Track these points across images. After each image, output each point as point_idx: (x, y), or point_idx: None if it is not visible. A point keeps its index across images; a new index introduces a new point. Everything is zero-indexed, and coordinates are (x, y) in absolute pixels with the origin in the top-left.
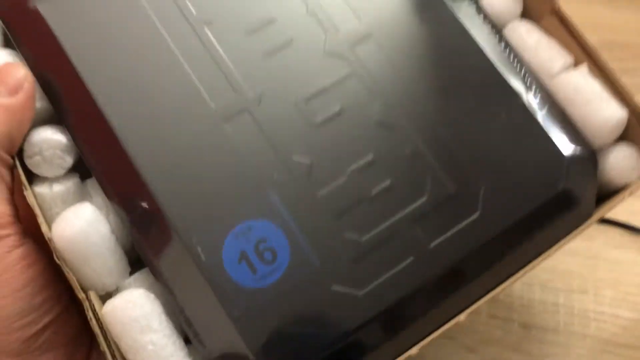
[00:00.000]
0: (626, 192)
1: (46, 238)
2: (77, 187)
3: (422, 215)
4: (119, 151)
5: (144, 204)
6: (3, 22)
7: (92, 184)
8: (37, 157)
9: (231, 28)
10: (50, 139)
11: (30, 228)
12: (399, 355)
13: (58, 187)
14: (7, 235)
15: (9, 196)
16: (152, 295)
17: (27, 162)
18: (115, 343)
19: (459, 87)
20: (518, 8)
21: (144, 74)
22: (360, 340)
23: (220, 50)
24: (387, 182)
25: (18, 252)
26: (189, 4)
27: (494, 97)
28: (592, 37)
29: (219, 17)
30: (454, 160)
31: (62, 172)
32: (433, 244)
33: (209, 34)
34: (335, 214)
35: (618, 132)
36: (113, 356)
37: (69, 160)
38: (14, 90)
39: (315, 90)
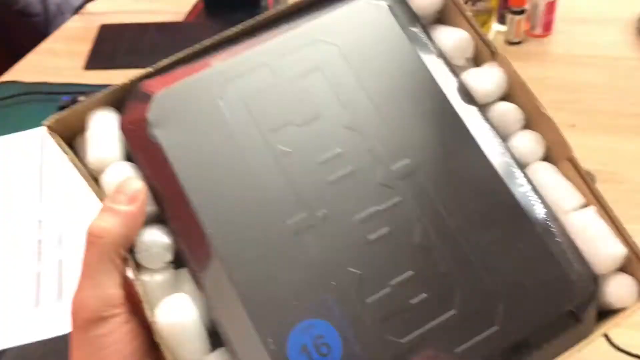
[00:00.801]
0: (625, 313)
1: (149, 321)
2: (172, 277)
3: (451, 325)
4: (209, 251)
5: None
6: (127, 140)
7: (183, 273)
8: (145, 253)
9: (306, 159)
10: (157, 240)
11: (133, 308)
12: None
13: (159, 277)
14: (119, 314)
15: (121, 282)
16: None
17: (137, 256)
18: None
19: (488, 220)
20: (540, 151)
21: (234, 192)
22: None
23: (296, 177)
24: (423, 295)
25: (127, 327)
26: (271, 137)
27: (515, 229)
28: None
29: (297, 150)
30: (480, 280)
31: (162, 265)
32: (459, 349)
33: (288, 162)
34: (380, 318)
35: (618, 264)
36: None
37: (169, 257)
38: (132, 200)
39: (368, 213)
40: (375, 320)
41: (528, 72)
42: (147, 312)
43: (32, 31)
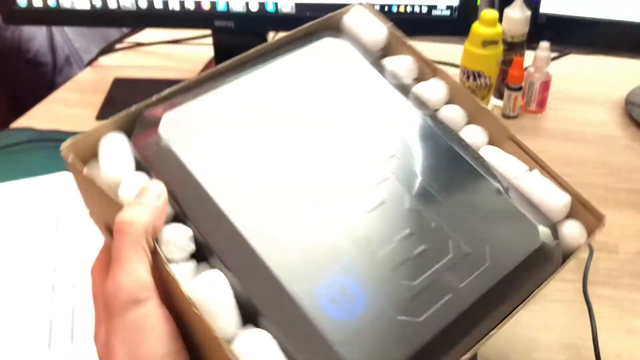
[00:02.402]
0: (578, 251)
1: (186, 296)
2: (196, 267)
3: (450, 266)
4: (232, 231)
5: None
6: (142, 155)
7: (203, 265)
8: (171, 246)
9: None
10: (181, 232)
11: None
12: None
13: (185, 267)
14: (153, 297)
15: (150, 270)
16: (269, 335)
17: (163, 248)
18: None
19: (461, 187)
20: (485, 138)
21: (245, 175)
22: (421, 356)
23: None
24: (422, 247)
25: (161, 310)
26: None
27: (482, 192)
28: None
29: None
30: (464, 231)
31: (186, 255)
32: (462, 285)
33: (294, 150)
34: (391, 267)
35: (566, 211)
36: None
37: (192, 246)
38: (158, 197)
39: (368, 188)
40: (387, 269)
41: None
42: (183, 289)
43: (40, 81)
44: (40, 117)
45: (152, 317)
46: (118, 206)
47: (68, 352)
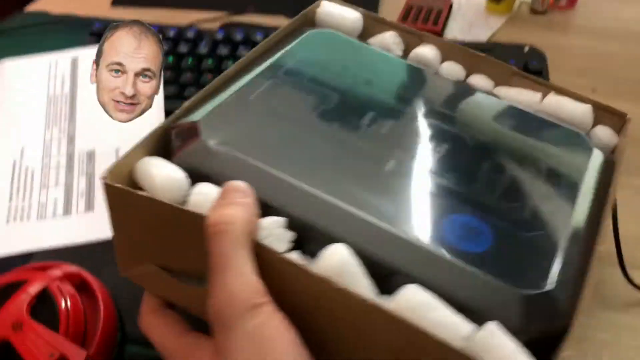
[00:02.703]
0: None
1: (319, 277)
2: (300, 254)
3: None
4: (339, 209)
5: None
6: (190, 166)
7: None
8: (272, 237)
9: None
10: (277, 220)
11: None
12: None
13: (293, 256)
14: (269, 302)
15: (258, 271)
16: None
17: (264, 242)
18: None
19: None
20: (491, 83)
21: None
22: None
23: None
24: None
25: (280, 315)
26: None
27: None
28: None
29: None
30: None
31: (288, 245)
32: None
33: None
34: (498, 196)
35: (591, 119)
36: None
37: (291, 233)
38: (246, 194)
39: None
40: (494, 199)
41: (551, 41)
42: (314, 271)
43: None
44: (55, 1)
45: (273, 324)
46: (193, 215)
47: (86, 219)
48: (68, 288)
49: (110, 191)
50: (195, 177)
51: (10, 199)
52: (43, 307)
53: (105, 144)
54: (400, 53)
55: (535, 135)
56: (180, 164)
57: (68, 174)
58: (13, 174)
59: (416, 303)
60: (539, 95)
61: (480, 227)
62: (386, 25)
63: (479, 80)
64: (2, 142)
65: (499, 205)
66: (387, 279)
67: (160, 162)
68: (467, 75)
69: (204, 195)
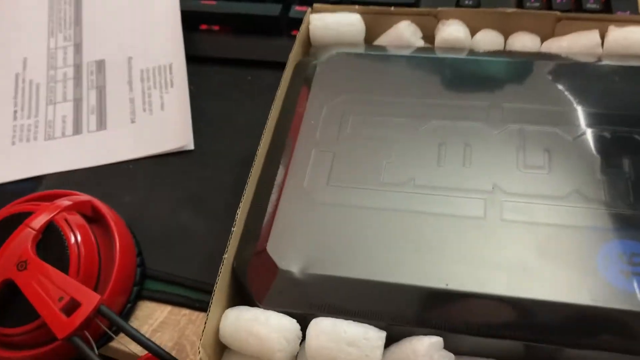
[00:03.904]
0: None
1: None
2: None
3: None
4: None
5: None
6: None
7: None
8: None
9: None
10: (433, 343)
11: None
12: None
13: None
14: None
15: None
16: None
17: None
18: None
19: None
20: (537, 39)
21: None
22: None
23: None
24: None
25: None
26: None
27: None
28: None
29: None
30: None
31: None
32: None
33: None
34: None
35: None
36: None
37: (451, 356)
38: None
39: None
40: None
41: None
42: None
43: None
44: None
45: None
46: None
47: (97, 139)
48: (78, 220)
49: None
50: (294, 314)
51: (15, 117)
52: (50, 243)
53: (116, 52)
54: (421, 42)
55: None
56: (271, 307)
57: (76, 87)
58: (16, 89)
59: None
60: (596, 36)
61: None
62: (391, 17)
63: (522, 41)
64: (1, 52)
65: None
66: None
67: (259, 314)
68: (506, 40)
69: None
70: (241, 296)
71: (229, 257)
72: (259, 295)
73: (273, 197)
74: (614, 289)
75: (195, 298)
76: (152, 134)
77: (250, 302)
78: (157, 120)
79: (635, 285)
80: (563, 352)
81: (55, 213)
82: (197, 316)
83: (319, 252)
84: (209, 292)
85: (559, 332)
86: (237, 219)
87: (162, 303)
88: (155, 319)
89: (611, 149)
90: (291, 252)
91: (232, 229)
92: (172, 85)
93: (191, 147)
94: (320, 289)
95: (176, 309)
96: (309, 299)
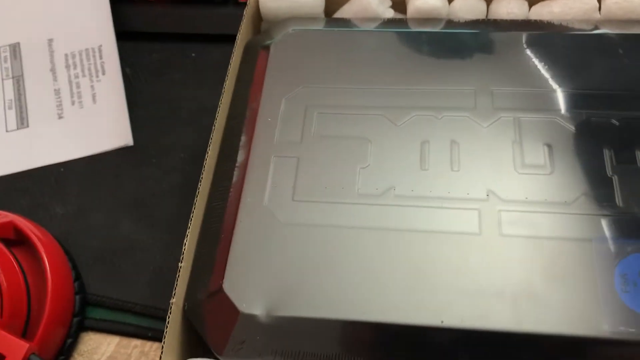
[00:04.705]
0: None
1: None
2: None
3: None
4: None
5: None
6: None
7: None
8: None
9: None
10: None
11: None
12: None
13: None
14: None
15: None
16: None
17: None
18: None
19: None
20: (525, 4)
21: None
22: None
23: None
24: None
25: None
26: None
27: None
28: None
29: None
30: None
31: None
32: None
33: None
34: None
35: None
36: None
37: None
38: None
39: None
40: None
41: None
42: None
43: None
44: None
45: None
46: None
47: (18, 139)
48: None
49: None
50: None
51: None
52: None
53: (32, 33)
54: (390, 13)
55: None
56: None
57: None
58: None
59: None
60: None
61: None
62: None
63: (508, 6)
64: None
65: None
66: None
67: None
68: (488, 5)
69: None
70: (197, 344)
71: (177, 299)
72: (218, 346)
73: (228, 218)
74: (637, 315)
75: (147, 326)
76: (85, 132)
77: (208, 353)
78: (89, 115)
79: None
80: None
81: None
82: (151, 347)
83: (285, 288)
84: (163, 318)
85: None
86: (184, 250)
87: (108, 334)
88: (102, 354)
89: (623, 139)
90: (252, 290)
91: (180, 263)
92: (103, 73)
93: (130, 143)
94: (291, 334)
95: (125, 340)
96: (277, 347)
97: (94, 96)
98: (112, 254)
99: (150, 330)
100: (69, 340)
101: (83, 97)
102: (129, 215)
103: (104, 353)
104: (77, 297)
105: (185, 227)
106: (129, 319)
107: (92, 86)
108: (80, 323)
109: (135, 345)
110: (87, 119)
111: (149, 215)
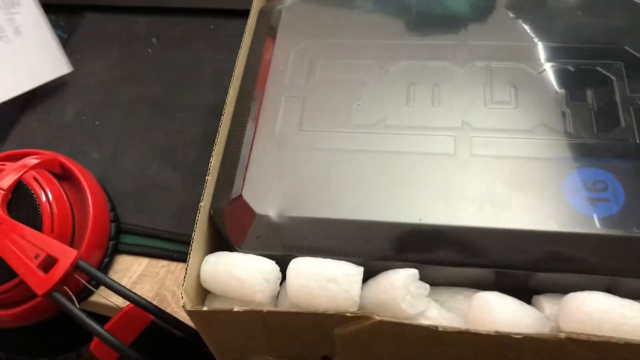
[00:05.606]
0: None
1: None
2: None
3: None
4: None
5: None
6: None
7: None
8: (408, 297)
9: None
10: (409, 275)
11: None
12: None
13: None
14: None
15: None
16: None
17: (403, 307)
18: None
19: None
20: None
21: None
22: None
23: None
24: None
25: None
26: None
27: None
28: None
29: None
30: None
31: (426, 301)
32: None
33: None
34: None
35: None
36: None
37: (426, 287)
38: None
39: None
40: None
41: None
42: None
43: None
44: None
45: None
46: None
47: None
48: (47, 177)
49: (200, 317)
50: (272, 257)
51: None
52: (21, 202)
53: None
54: None
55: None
56: (250, 251)
57: None
58: None
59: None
60: None
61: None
62: None
63: None
64: None
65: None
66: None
67: (238, 258)
68: None
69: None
70: (220, 242)
71: (205, 205)
72: (238, 240)
73: (245, 144)
74: (580, 215)
75: (173, 249)
76: (21, 66)
77: (229, 248)
78: (17, 49)
79: (598, 209)
80: (533, 277)
81: (22, 172)
82: (176, 267)
83: (294, 195)
84: (186, 243)
85: (528, 258)
86: (210, 167)
87: (139, 256)
88: (133, 272)
89: (575, 82)
90: (267, 196)
91: (207, 177)
92: (19, 4)
93: (68, 69)
94: (297, 231)
95: (154, 261)
96: (286, 241)
97: (16, 29)
98: (142, 192)
99: (175, 253)
100: (106, 260)
101: (6, 31)
102: (156, 161)
103: (135, 271)
104: (113, 224)
105: (206, 170)
106: (157, 243)
107: (10, 19)
108: (115, 246)
109: (163, 265)
110: (18, 53)
111: (175, 161)
